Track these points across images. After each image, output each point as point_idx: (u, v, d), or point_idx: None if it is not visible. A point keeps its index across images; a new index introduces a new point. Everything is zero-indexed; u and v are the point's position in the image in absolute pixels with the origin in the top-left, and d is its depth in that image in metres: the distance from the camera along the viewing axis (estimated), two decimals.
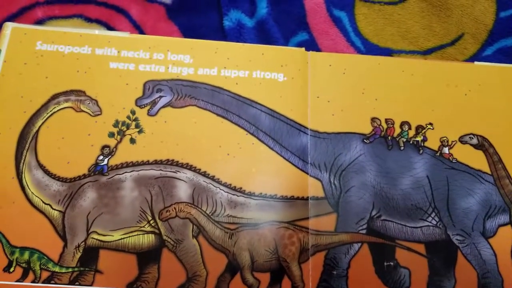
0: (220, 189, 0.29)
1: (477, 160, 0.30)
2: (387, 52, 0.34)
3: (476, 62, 0.33)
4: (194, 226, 0.28)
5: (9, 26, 0.32)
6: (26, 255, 0.27)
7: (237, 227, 0.28)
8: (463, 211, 0.29)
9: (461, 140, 0.30)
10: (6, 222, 0.27)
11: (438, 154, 0.30)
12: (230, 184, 0.29)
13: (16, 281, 0.26)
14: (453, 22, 0.35)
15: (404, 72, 0.32)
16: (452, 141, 0.30)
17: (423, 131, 0.31)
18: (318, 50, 0.34)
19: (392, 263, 0.28)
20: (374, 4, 0.35)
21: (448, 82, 0.32)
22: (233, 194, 0.29)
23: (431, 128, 0.31)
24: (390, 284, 0.27)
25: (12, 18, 0.33)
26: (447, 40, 0.34)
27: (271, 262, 0.27)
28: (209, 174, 0.29)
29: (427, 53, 0.34)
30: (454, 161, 0.30)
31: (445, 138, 0.31)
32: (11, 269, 0.27)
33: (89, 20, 0.34)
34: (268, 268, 0.27)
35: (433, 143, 0.30)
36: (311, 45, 0.34)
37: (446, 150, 0.30)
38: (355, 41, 0.35)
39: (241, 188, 0.29)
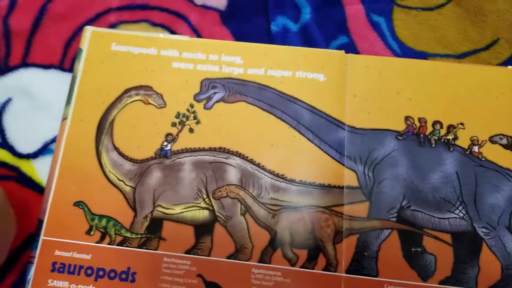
0: (265, 175, 0.31)
1: (505, 159, 0.30)
2: (423, 55, 0.35)
3: (509, 66, 0.33)
4: (242, 205, 0.31)
5: (88, 29, 0.35)
6: (104, 222, 0.31)
7: (279, 208, 0.30)
8: (489, 206, 0.29)
9: (491, 140, 0.31)
10: (87, 194, 0.31)
11: (468, 152, 0.31)
12: (274, 171, 0.31)
13: (96, 243, 0.30)
14: (488, 27, 0.35)
15: (438, 75, 0.32)
16: (482, 141, 0.31)
17: (454, 130, 0.31)
18: (357, 52, 0.35)
19: (419, 249, 0.29)
20: (411, 10, 0.36)
21: (481, 84, 0.32)
22: (276, 180, 0.31)
23: (462, 127, 0.31)
24: (416, 268, 0.29)
25: (90, 22, 0.37)
26: (482, 45, 0.34)
27: (309, 241, 0.30)
28: (255, 162, 0.31)
29: (461, 57, 0.35)
30: (483, 159, 0.30)
31: (475, 138, 0.31)
32: (91, 233, 0.31)
33: (154, 24, 0.37)
34: (305, 246, 0.30)
35: (463, 141, 0.31)
36: (351, 48, 0.35)
37: (476, 148, 0.30)
38: (392, 45, 0.35)
39: (283, 175, 0.31)
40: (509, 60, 0.35)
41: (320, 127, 0.32)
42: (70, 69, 0.35)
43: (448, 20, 0.35)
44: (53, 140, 0.34)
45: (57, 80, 0.35)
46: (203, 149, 0.32)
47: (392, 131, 0.31)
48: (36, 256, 0.30)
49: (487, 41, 0.34)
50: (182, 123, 0.33)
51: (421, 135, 0.31)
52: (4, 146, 0.34)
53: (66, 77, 0.35)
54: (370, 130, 0.32)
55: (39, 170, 0.33)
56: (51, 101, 0.34)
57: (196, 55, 0.34)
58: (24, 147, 0.34)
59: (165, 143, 0.32)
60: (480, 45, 0.34)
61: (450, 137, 0.31)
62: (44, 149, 0.34)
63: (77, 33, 0.36)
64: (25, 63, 0.35)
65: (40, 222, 0.31)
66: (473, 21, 0.34)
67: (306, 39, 0.36)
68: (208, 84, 0.33)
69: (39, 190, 0.32)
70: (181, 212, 0.31)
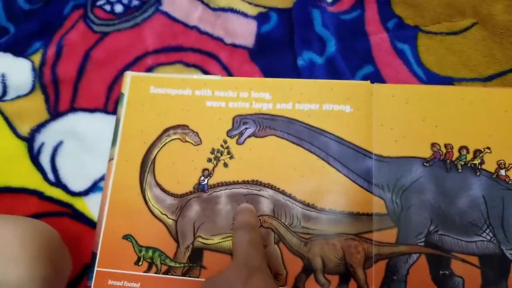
0: (296, 205, 0.41)
1: None
2: (448, 80, 0.44)
3: None
4: (276, 234, 0.40)
5: (128, 75, 0.48)
6: (150, 253, 0.42)
7: (310, 237, 0.40)
8: None
9: None
10: (134, 228, 0.43)
11: (494, 176, 0.39)
12: (304, 201, 0.41)
13: (144, 272, 0.41)
14: None
15: (463, 100, 0.41)
16: (509, 164, 0.39)
17: (480, 155, 0.39)
18: (383, 81, 0.45)
19: (447, 272, 0.37)
20: (436, 35, 0.45)
21: (507, 108, 0.40)
22: (307, 210, 0.41)
23: (489, 152, 0.39)
24: None
25: (129, 66, 0.49)
26: (509, 66, 0.43)
27: (340, 267, 0.39)
28: (286, 192, 0.41)
29: (487, 80, 0.43)
30: (510, 182, 0.38)
31: (502, 161, 0.39)
32: (140, 263, 0.42)
33: (187, 65, 0.49)
34: (337, 272, 0.39)
35: (490, 165, 0.39)
36: (376, 76, 0.45)
37: (502, 172, 0.38)
38: (417, 71, 0.45)
39: (313, 204, 0.41)
40: None
41: (348, 157, 0.41)
42: (113, 112, 0.48)
43: (474, 43, 0.44)
44: (101, 178, 0.46)
45: (102, 122, 0.48)
46: (237, 182, 0.43)
47: (418, 158, 0.40)
48: (92, 285, 0.42)
49: None
50: (217, 159, 0.43)
51: (448, 161, 0.40)
52: (59, 185, 0.47)
53: (110, 119, 0.48)
54: (397, 158, 0.41)
55: (90, 206, 0.46)
56: (97, 142, 0.47)
57: (227, 93, 0.45)
58: (76, 186, 0.47)
59: (202, 178, 0.43)
60: (507, 67, 0.43)
61: (476, 161, 0.39)
62: (94, 187, 0.46)
63: (118, 77, 0.49)
64: (73, 108, 0.49)
65: (94, 254, 0.43)
66: (499, 43, 0.43)
67: (332, 70, 0.46)
68: (240, 120, 0.44)
69: (91, 224, 0.45)
70: (219, 242, 0.42)
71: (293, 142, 0.43)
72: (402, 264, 0.38)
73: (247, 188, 0.42)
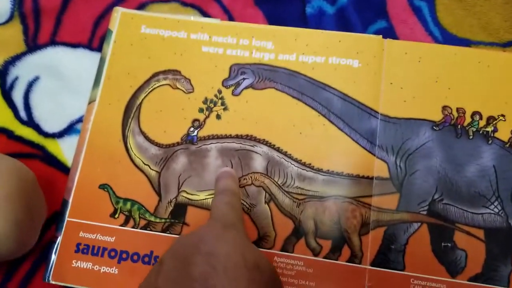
0: (291, 164, 0.39)
1: None
2: (466, 43, 0.42)
3: None
4: (267, 193, 0.38)
5: (118, 10, 0.45)
6: (128, 205, 0.40)
7: (304, 198, 0.38)
8: None
9: None
10: (113, 177, 0.40)
11: (507, 145, 0.37)
12: (301, 160, 0.39)
13: (120, 226, 0.39)
14: None
15: (480, 63, 0.39)
16: None
17: (494, 122, 0.38)
18: (396, 38, 0.43)
19: (449, 244, 0.35)
20: None
21: None
22: (303, 169, 0.39)
23: (503, 119, 0.38)
24: (445, 263, 0.36)
25: (118, 3, 0.46)
26: None
27: (334, 231, 0.37)
28: (282, 150, 0.39)
29: (507, 45, 0.41)
30: None
31: None
32: (116, 216, 0.40)
33: (184, 4, 0.46)
34: (330, 236, 0.37)
35: (504, 134, 0.38)
36: (389, 33, 0.43)
37: None
38: (433, 31, 0.43)
39: (310, 164, 0.39)
40: None
41: (351, 115, 0.39)
42: (99, 49, 0.45)
43: (495, 6, 0.42)
44: (79, 120, 0.44)
45: (85, 59, 0.45)
46: (230, 136, 0.40)
47: (428, 121, 0.39)
48: (61, 236, 0.39)
49: None
50: (210, 109, 0.41)
51: (459, 126, 0.38)
52: (30, 124, 0.44)
53: (94, 56, 0.45)
54: (405, 119, 0.39)
55: (64, 149, 0.43)
56: (78, 81, 0.44)
57: (226, 39, 0.43)
58: (50, 126, 0.44)
59: (192, 129, 0.41)
60: None
61: (489, 129, 0.38)
62: (70, 129, 0.44)
63: (107, 12, 0.46)
64: (53, 41, 0.46)
65: (65, 202, 0.40)
66: None
67: (343, 22, 0.44)
68: (237, 70, 0.42)
69: (63, 169, 0.42)
70: (205, 198, 0.39)
71: (293, 97, 0.40)
72: (402, 233, 0.37)
73: (240, 143, 0.40)
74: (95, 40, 0.46)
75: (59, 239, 0.39)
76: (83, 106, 0.43)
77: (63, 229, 0.39)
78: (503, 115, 0.38)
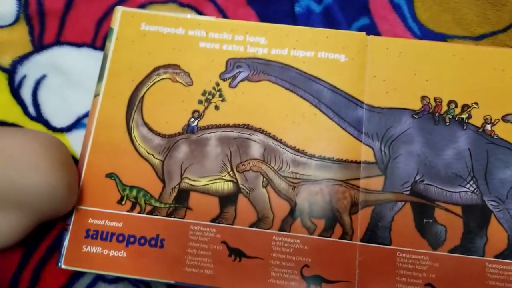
0: (286, 150, 0.35)
1: None
2: (442, 37, 0.39)
3: None
4: (264, 178, 0.35)
5: (119, 9, 0.40)
6: (134, 192, 0.36)
7: (299, 181, 0.35)
8: (499, 180, 0.34)
9: (504, 118, 0.35)
10: (119, 166, 0.36)
11: (481, 130, 0.35)
12: (295, 147, 0.35)
13: (127, 212, 0.35)
14: (507, 10, 0.38)
15: (454, 57, 0.37)
16: (495, 119, 0.35)
17: (468, 109, 0.35)
18: (378, 34, 0.40)
19: (430, 220, 0.33)
20: None
21: (496, 66, 0.36)
22: (297, 155, 0.35)
23: (476, 107, 0.35)
24: (427, 238, 0.33)
25: (120, 2, 0.41)
26: (500, 27, 0.38)
27: (326, 211, 0.34)
28: (277, 138, 0.36)
29: (479, 39, 0.39)
30: (495, 137, 0.35)
31: (488, 116, 0.35)
32: (123, 202, 0.36)
33: (181, 4, 0.41)
34: (323, 216, 0.34)
35: (477, 120, 0.35)
36: (372, 29, 0.40)
37: (488, 127, 0.35)
38: (412, 26, 0.40)
39: (303, 150, 0.35)
40: None
41: (340, 105, 0.36)
42: (102, 48, 0.40)
43: (467, 3, 0.39)
44: (85, 115, 0.39)
45: (89, 58, 0.40)
46: (228, 126, 0.36)
47: (408, 110, 0.36)
48: (71, 224, 0.35)
49: (505, 23, 0.38)
50: (208, 101, 0.37)
51: (436, 114, 0.35)
52: (39, 120, 0.39)
53: (97, 55, 0.40)
54: (388, 109, 0.36)
55: (72, 143, 0.38)
56: (83, 78, 0.40)
57: (222, 35, 0.39)
58: (58, 121, 0.39)
59: (192, 120, 0.37)
60: (498, 27, 0.38)
61: (464, 116, 0.35)
62: (77, 123, 0.39)
63: (109, 12, 0.41)
64: (58, 42, 0.40)
65: None
66: (492, 3, 0.38)
67: (329, 20, 0.40)
68: (233, 64, 0.38)
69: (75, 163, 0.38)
70: (207, 184, 0.36)
71: (286, 88, 0.37)
72: (387, 211, 0.34)
73: (238, 132, 0.36)
74: (98, 40, 0.40)
75: (70, 227, 0.35)
76: (89, 101, 0.39)
77: (73, 216, 0.35)
78: (476, 103, 0.35)
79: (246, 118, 0.36)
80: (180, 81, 0.38)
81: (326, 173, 0.35)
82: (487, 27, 0.38)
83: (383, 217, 0.34)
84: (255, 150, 0.36)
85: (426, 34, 0.39)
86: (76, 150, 0.38)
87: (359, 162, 0.35)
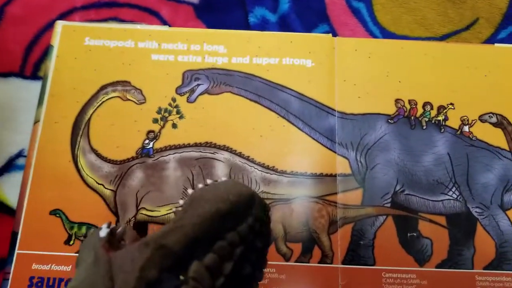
0: (255, 168, 0.28)
1: (496, 137, 0.28)
2: (405, 39, 0.32)
3: (496, 44, 0.31)
4: None
5: (60, 24, 0.31)
6: (84, 229, 0.27)
7: (271, 202, 0.27)
8: (482, 185, 0.27)
9: (481, 118, 0.29)
10: (65, 201, 0.27)
11: (458, 132, 0.29)
12: (264, 164, 0.28)
13: (76, 253, 0.26)
14: (468, 7, 0.33)
15: (426, 55, 0.30)
16: (472, 120, 0.29)
17: (444, 111, 0.29)
18: None
19: (415, 234, 0.27)
20: None
21: (468, 64, 0.30)
22: (267, 173, 0.28)
23: (452, 108, 0.29)
24: (413, 253, 0.26)
25: (48, 27, 0.32)
26: (462, 25, 0.32)
27: (303, 233, 0.27)
28: (244, 155, 0.28)
29: (442, 38, 0.32)
30: (474, 139, 0.28)
31: (465, 117, 0.29)
32: (71, 242, 0.27)
33: (123, 22, 0.33)
34: (300, 239, 0.27)
35: (454, 122, 0.29)
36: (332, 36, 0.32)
37: (466, 128, 0.29)
38: (373, 30, 0.33)
39: (273, 166, 0.28)
40: (490, 39, 0.33)
41: (310, 114, 0.29)
42: (32, 77, 0.31)
43: (428, 2, 0.33)
44: (18, 155, 0.29)
45: (18, 89, 0.31)
46: (188, 145, 0.28)
47: (383, 114, 0.29)
48: (11, 271, 0.26)
49: (467, 21, 0.33)
50: (165, 119, 0.29)
51: (412, 118, 0.29)
52: None
53: (27, 85, 0.31)
54: (361, 115, 0.29)
55: (5, 189, 0.29)
56: (12, 113, 0.30)
57: (176, 45, 0.31)
58: None
59: (147, 141, 0.29)
60: (460, 26, 0.32)
61: (440, 118, 0.29)
62: (9, 166, 0.29)
63: (39, 37, 0.32)
64: None
65: (14, 234, 0.26)
66: (453, 1, 0.32)
67: (286, 29, 0.33)
68: (191, 76, 0.30)
69: (7, 211, 0.28)
70: (166, 214, 0.27)
71: (251, 99, 0.29)
72: (369, 228, 0.27)
73: (200, 151, 0.28)
74: (27, 67, 0.31)
75: (10, 275, 0.26)
76: (22, 139, 0.29)
77: (14, 263, 0.26)
78: (452, 104, 0.29)
79: (208, 135, 0.28)
80: (131, 99, 0.30)
81: (300, 190, 0.27)
82: (449, 26, 0.32)
83: (365, 234, 0.27)
84: (220, 170, 0.28)
85: (388, 37, 0.32)
86: (10, 195, 0.28)
87: (335, 175, 0.27)
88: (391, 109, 0.29)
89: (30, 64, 0.31)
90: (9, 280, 0.25)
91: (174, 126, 0.29)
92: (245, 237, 0.16)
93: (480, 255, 0.26)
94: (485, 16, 0.33)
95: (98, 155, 0.28)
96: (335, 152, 0.28)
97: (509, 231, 0.27)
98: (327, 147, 0.28)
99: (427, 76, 0.30)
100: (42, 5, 0.32)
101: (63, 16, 0.32)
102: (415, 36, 0.32)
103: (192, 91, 0.29)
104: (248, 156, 0.28)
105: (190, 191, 0.28)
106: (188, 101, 0.29)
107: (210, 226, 0.16)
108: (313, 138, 0.28)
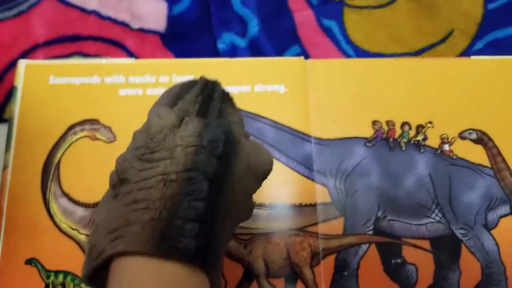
0: None
1: (477, 154, 0.26)
2: (379, 57, 0.30)
3: (472, 57, 0.29)
4: None
5: (22, 63, 0.29)
6: (61, 277, 0.25)
7: (250, 237, 0.25)
8: (465, 205, 0.26)
9: (461, 136, 0.27)
10: (40, 249, 0.25)
11: (438, 151, 0.27)
12: None
13: None
14: (442, 19, 0.31)
15: (402, 73, 0.28)
16: (452, 138, 0.27)
17: (423, 130, 0.27)
18: None
19: (399, 260, 0.25)
20: (362, 10, 0.31)
21: (445, 79, 0.28)
22: None
23: (431, 126, 0.27)
24: (397, 281, 0.24)
25: (14, 63, 0.29)
26: (438, 38, 0.30)
27: (285, 268, 0.25)
28: None
29: (418, 53, 0.30)
30: (454, 157, 0.27)
31: (445, 135, 0.27)
32: None
33: (88, 56, 0.30)
34: (282, 274, 0.25)
35: (433, 141, 0.27)
36: (304, 57, 0.29)
37: (446, 147, 0.27)
38: (346, 49, 0.31)
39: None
40: (466, 51, 0.31)
41: (285, 143, 0.27)
42: None
43: (401, 17, 0.30)
44: None
45: None
46: None
47: (360, 138, 0.27)
48: None
49: (443, 33, 0.30)
50: None
51: (390, 139, 0.27)
52: None
53: None
54: (338, 139, 0.27)
55: None
56: None
57: (144, 78, 0.29)
58: None
59: None
60: (436, 39, 0.30)
61: (419, 137, 0.27)
62: None
63: (2, 77, 0.29)
64: None
65: None
66: (427, 14, 0.30)
67: (257, 53, 0.31)
68: None
69: None
70: None
71: None
72: (352, 257, 0.25)
73: None
74: None
75: None
76: None
77: None
78: (430, 122, 0.27)
79: None
80: (100, 138, 0.27)
81: (280, 223, 0.25)
82: (425, 39, 0.30)
83: (348, 265, 0.25)
84: None
85: (362, 56, 0.30)
86: None
87: (315, 205, 0.26)
88: (368, 132, 0.27)
89: None
90: None
91: None
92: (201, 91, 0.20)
93: (466, 278, 0.25)
94: (460, 27, 0.31)
95: (70, 199, 0.26)
96: (313, 181, 0.26)
97: (494, 251, 0.25)
98: (305, 176, 0.26)
99: (404, 94, 0.28)
100: (3, 43, 0.30)
101: (26, 53, 0.30)
102: (390, 52, 0.30)
103: None
104: None
105: None
106: None
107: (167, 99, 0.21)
108: (290, 167, 0.26)
